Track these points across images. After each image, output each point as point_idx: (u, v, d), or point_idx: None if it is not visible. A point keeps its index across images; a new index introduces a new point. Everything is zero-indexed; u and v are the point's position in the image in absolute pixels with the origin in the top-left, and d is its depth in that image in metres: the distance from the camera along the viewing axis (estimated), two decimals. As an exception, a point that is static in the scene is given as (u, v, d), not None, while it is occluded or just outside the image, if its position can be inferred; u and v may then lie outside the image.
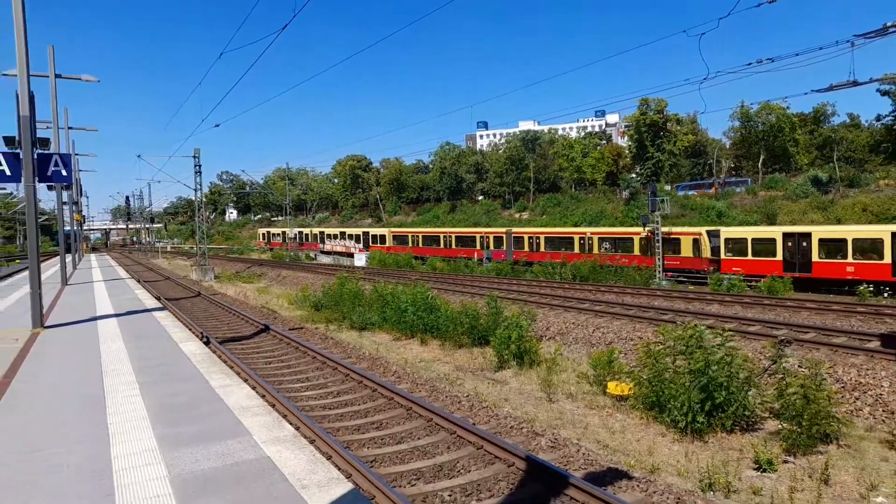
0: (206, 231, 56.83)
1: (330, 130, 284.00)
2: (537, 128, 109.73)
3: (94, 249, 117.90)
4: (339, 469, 7.99)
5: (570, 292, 29.06)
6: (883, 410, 11.32)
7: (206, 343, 16.31)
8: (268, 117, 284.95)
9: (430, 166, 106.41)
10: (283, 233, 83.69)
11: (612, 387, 13.02)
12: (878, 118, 71.25)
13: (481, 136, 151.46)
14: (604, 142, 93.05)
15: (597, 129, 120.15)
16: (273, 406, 11.10)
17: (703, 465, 9.15)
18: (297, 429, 9.64)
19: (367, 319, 22.63)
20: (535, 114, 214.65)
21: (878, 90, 65.96)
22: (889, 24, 19.45)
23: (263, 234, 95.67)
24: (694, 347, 11.22)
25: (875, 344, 14.59)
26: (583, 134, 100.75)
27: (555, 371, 14.98)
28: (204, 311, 27.28)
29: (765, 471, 9.23)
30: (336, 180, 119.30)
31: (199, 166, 48.70)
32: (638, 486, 8.17)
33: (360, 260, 59.02)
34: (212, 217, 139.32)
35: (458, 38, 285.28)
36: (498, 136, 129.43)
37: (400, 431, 10.45)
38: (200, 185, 49.50)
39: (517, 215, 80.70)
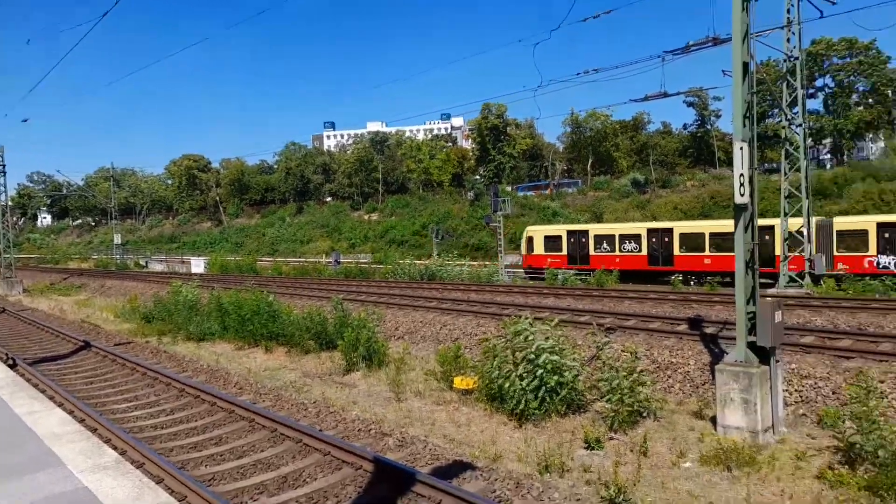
0: (14, 239, 50.13)
1: (162, 128, 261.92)
2: (385, 129, 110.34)
3: None
4: (173, 492, 7.44)
5: (418, 291, 29.55)
6: (690, 385, 12.80)
7: (12, 366, 14.38)
8: (87, 112, 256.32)
9: (275, 167, 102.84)
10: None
11: (459, 381, 13.41)
12: (685, 127, 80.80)
13: (328, 137, 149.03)
14: (450, 144, 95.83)
15: (443, 131, 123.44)
16: (94, 431, 10.03)
17: (540, 449, 9.71)
18: (123, 453, 8.80)
19: (206, 329, 21.30)
20: (383, 115, 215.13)
21: (684, 101, 74.70)
22: (692, 42, 22.00)
23: (552, 237, 38.94)
24: (524, 338, 11.89)
25: (684, 327, 16.46)
26: (429, 136, 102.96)
27: (404, 370, 15.12)
28: (9, 329, 24.03)
29: (594, 449, 10.02)
30: (170, 182, 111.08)
31: (4, 166, 42.93)
32: (482, 475, 8.49)
33: (199, 266, 55.52)
34: (20, 223, 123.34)
35: (303, 37, 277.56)
36: (346, 137, 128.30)
37: (242, 445, 9.95)
38: (5, 186, 43.63)
39: (367, 217, 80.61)
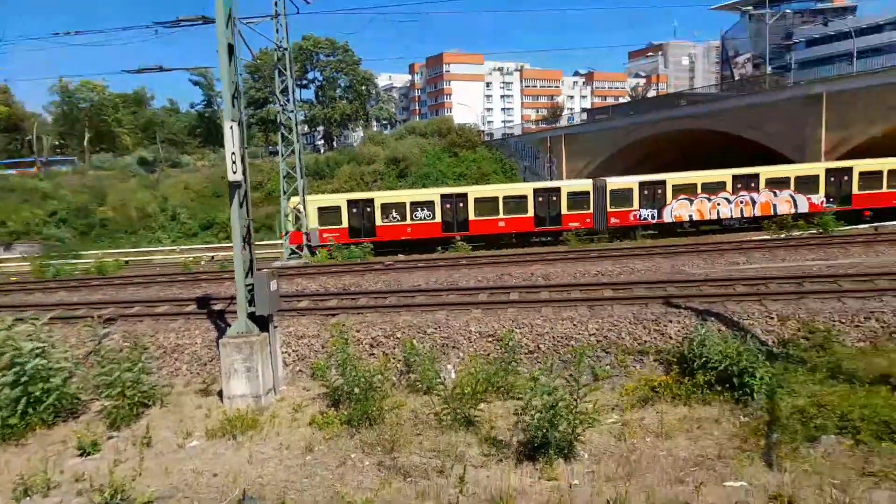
0: None
1: None
2: None
3: None
4: None
5: None
6: (198, 364, 12.73)
7: None
8: None
9: None
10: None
11: None
12: (192, 105, 79.53)
13: None
14: None
15: None
16: None
17: (19, 471, 8.21)
18: None
19: None
20: None
21: (190, 80, 73.26)
22: (182, 17, 21.53)
23: (327, 208, 32.11)
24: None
25: (192, 307, 16.22)
26: None
27: None
28: None
29: (90, 454, 9.04)
30: None
31: None
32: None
33: None
34: None
35: None
36: None
37: None
38: None
39: None
